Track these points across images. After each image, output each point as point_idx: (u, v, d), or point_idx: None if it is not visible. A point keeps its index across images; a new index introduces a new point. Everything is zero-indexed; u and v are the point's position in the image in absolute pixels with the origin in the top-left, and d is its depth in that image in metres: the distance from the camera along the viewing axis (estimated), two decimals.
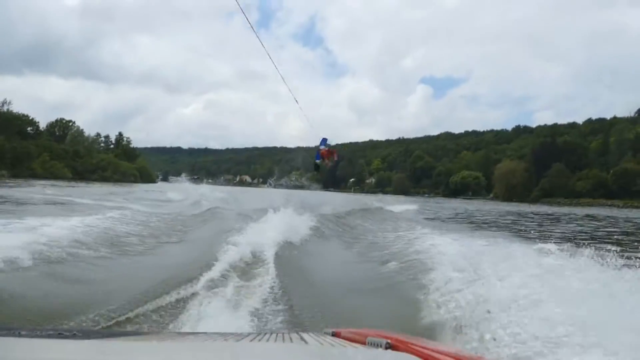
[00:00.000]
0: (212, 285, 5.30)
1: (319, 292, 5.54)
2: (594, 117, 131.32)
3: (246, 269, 6.31)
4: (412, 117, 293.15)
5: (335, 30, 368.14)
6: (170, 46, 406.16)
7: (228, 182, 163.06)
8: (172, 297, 4.82)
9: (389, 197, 61.54)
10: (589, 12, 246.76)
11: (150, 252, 8.01)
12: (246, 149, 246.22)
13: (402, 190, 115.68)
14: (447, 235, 9.77)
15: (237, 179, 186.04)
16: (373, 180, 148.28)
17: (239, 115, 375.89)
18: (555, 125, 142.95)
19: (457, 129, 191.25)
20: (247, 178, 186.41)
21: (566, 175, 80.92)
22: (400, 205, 29.86)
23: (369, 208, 22.69)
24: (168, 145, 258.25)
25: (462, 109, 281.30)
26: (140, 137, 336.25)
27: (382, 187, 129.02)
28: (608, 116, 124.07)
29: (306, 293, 5.36)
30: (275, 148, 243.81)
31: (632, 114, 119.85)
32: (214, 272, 5.81)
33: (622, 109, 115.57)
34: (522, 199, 79.24)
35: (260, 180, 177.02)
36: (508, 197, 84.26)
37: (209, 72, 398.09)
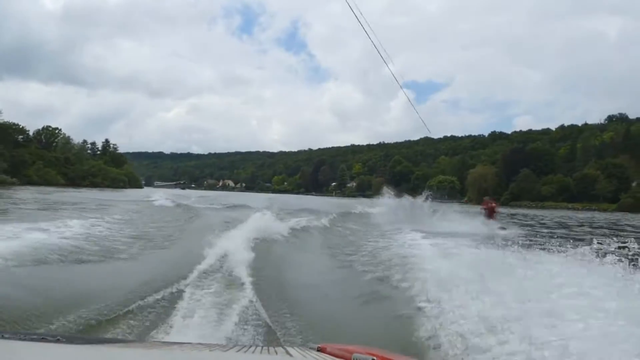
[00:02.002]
0: (197, 294, 5.30)
1: (305, 304, 5.42)
2: (571, 123, 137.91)
3: (231, 277, 6.17)
4: (394, 122, 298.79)
5: (318, 35, 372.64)
6: (152, 50, 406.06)
7: (211, 187, 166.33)
8: (156, 303, 4.86)
9: (369, 200, 64.51)
10: (569, 19, 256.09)
11: (138, 255, 8.12)
12: (229, 154, 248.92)
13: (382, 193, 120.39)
14: (430, 238, 10.30)
15: (220, 183, 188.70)
16: (354, 184, 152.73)
17: (222, 119, 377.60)
18: (529, 132, 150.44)
19: (437, 134, 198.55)
20: (230, 182, 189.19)
21: (533, 180, 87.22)
22: (379, 208, 31.94)
23: (350, 212, 24.08)
24: (150, 150, 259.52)
25: (444, 114, 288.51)
26: (121, 142, 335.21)
27: (362, 191, 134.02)
28: (583, 122, 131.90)
29: (292, 305, 5.25)
30: (257, 152, 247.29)
31: (602, 121, 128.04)
32: (199, 281, 5.82)
33: (596, 116, 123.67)
34: None
35: (244, 185, 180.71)
36: (479, 201, 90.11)
37: (192, 76, 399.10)
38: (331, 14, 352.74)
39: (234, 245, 7.89)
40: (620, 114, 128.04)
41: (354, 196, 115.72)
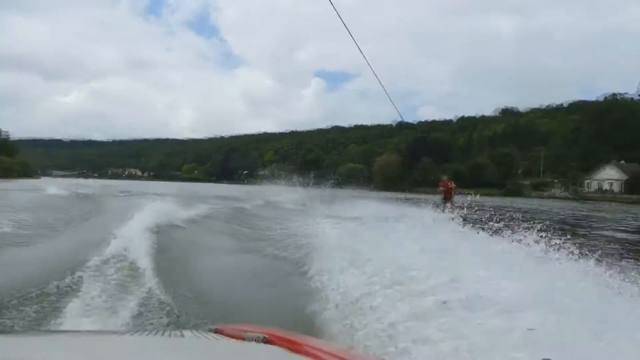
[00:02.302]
0: (94, 281, 5.09)
1: (208, 287, 5.46)
2: (470, 114, 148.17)
3: (131, 263, 5.98)
4: (306, 110, 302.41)
5: (231, 20, 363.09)
6: (48, 28, 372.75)
7: (116, 176, 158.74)
8: (51, 292, 4.67)
9: (279, 188, 64.63)
10: (471, 15, 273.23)
11: (33, 245, 7.86)
12: (135, 141, 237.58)
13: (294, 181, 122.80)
14: (332, 221, 10.67)
15: (126, 172, 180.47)
16: (266, 172, 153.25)
17: (127, 104, 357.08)
18: (433, 122, 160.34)
19: (347, 123, 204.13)
20: (137, 171, 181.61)
21: (433, 167, 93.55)
22: (289, 195, 31.75)
23: (257, 197, 23.97)
24: (46, 137, 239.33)
25: (354, 103, 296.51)
26: (13, 129, 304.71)
27: (275, 179, 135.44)
28: (480, 114, 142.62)
29: (193, 288, 5.25)
30: (166, 140, 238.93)
31: (497, 114, 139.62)
32: (97, 268, 5.61)
33: (493, 108, 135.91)
34: (396, 189, 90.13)
35: (152, 173, 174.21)
36: (385, 187, 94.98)
37: (94, 57, 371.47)
38: None
39: (136, 232, 7.73)
40: (512, 107, 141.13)
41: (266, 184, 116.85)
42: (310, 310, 4.40)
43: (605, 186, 67.29)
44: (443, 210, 18.79)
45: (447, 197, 19.88)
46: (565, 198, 64.01)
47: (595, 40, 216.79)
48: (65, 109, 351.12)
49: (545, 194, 70.58)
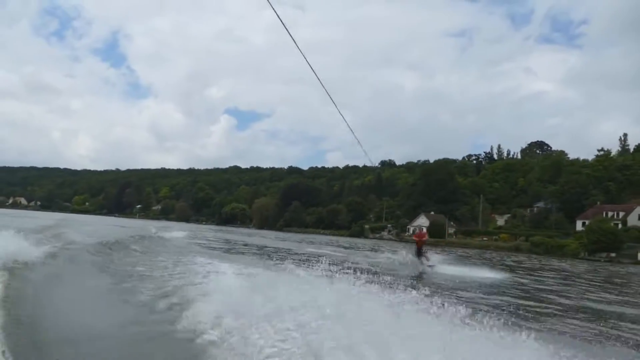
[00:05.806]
0: None
1: (74, 350, 4.80)
2: (355, 164, 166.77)
3: None
4: (213, 147, 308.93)
5: (141, 50, 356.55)
6: None
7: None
8: None
9: (170, 224, 71.63)
10: (376, 69, 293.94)
11: None
12: (22, 168, 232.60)
13: (184, 217, 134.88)
14: (215, 260, 11.64)
15: (10, 200, 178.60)
16: (159, 207, 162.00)
17: (18, 128, 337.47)
18: (322, 169, 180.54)
19: (249, 164, 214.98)
20: (23, 200, 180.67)
21: (301, 210, 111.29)
22: (177, 232, 31.67)
23: (146, 235, 23.20)
24: None
25: (262, 144, 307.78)
26: None
27: (166, 215, 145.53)
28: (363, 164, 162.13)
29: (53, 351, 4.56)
30: (58, 169, 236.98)
31: (377, 164, 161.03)
32: None
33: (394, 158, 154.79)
34: (271, 228, 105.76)
35: (39, 203, 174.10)
36: (262, 226, 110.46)
37: None
38: (155, 30, 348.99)
39: None
40: (389, 160, 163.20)
41: (157, 219, 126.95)
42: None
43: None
44: (422, 263, 20.09)
45: (420, 251, 20.53)
46: (390, 239, 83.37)
47: (481, 104, 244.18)
48: None
49: (377, 235, 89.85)
